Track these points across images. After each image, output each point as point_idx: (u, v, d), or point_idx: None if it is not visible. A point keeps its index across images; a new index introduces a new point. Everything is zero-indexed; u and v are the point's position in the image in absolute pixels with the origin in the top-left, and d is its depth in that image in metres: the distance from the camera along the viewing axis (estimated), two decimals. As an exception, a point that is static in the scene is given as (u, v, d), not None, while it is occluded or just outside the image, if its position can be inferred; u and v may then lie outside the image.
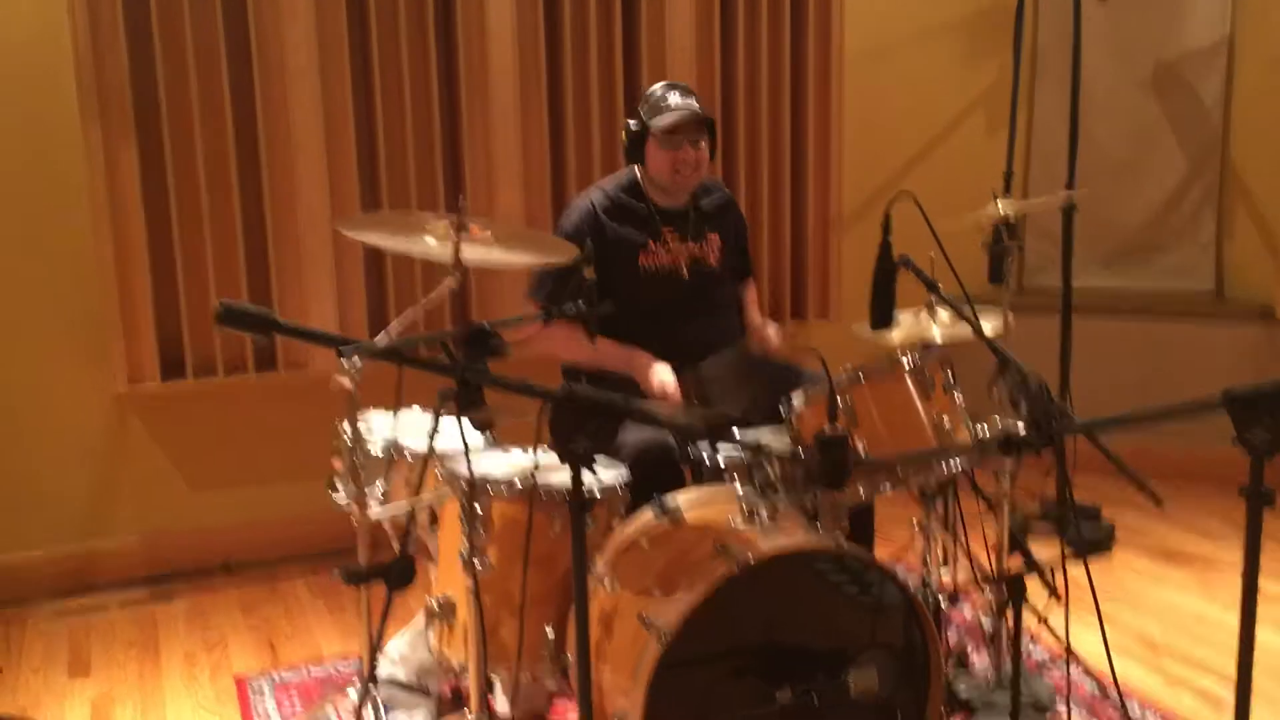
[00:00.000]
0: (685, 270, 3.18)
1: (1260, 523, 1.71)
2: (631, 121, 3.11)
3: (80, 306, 3.64)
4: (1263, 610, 3.36)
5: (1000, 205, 2.95)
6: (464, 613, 2.47)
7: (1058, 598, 2.75)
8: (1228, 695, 2.82)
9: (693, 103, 3.09)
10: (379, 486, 2.65)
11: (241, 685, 3.09)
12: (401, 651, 2.86)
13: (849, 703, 2.15)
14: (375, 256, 3.88)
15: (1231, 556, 3.67)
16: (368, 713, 2.52)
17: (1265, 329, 4.37)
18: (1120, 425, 1.88)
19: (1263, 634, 3.22)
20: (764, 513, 2.29)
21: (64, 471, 3.73)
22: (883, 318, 2.46)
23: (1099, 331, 4.40)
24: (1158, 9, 4.60)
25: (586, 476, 1.84)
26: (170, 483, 3.86)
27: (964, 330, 2.58)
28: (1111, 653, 2.82)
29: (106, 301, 3.60)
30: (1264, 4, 4.42)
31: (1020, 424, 2.13)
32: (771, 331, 3.25)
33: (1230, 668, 1.78)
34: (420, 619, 2.85)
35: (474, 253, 2.44)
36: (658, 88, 3.14)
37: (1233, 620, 1.74)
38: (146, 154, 3.60)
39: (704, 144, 3.10)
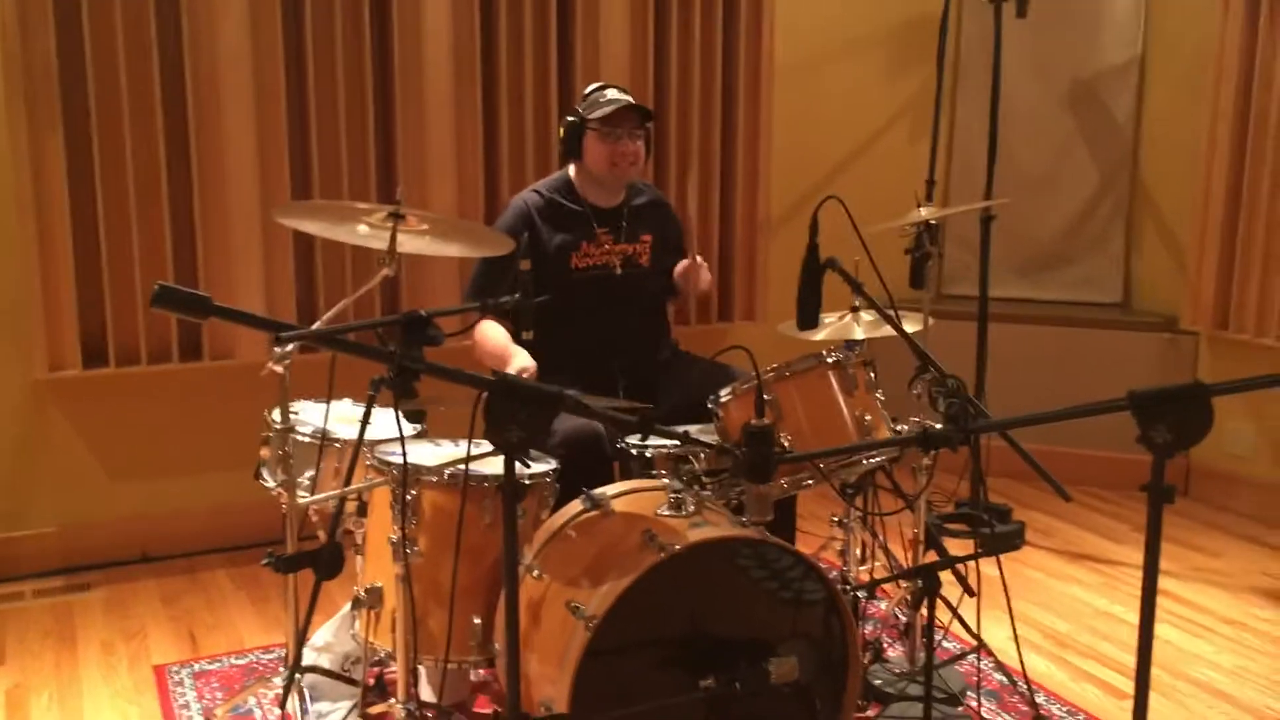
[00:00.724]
0: (618, 269, 3.24)
1: (1160, 517, 1.79)
2: (569, 117, 3.16)
3: (1, 292, 3.57)
4: (1164, 606, 3.52)
5: (923, 211, 3.04)
6: (391, 601, 2.48)
7: (970, 593, 2.85)
8: (1129, 687, 2.95)
9: (629, 98, 3.15)
10: (308, 475, 2.65)
11: (160, 674, 3.07)
12: (326, 640, 2.87)
13: (770, 691, 2.21)
14: (305, 247, 3.87)
15: (1135, 558, 3.82)
16: (293, 701, 2.52)
17: (1170, 339, 4.55)
18: (1032, 423, 1.97)
19: (1161, 629, 3.38)
20: (691, 504, 2.35)
21: (-21, 459, 3.67)
22: (809, 318, 2.53)
23: (1013, 338, 4.54)
24: (1074, 27, 4.76)
25: (518, 466, 1.88)
26: (90, 472, 3.80)
27: (887, 332, 2.67)
28: (1020, 646, 2.94)
29: (28, 287, 3.54)
30: (1174, 26, 4.60)
31: (938, 421, 2.22)
32: (703, 272, 3.26)
33: (1132, 661, 1.87)
34: (345, 609, 2.86)
35: (410, 242, 2.46)
36: (596, 85, 3.22)
37: (1134, 617, 1.84)
38: (71, 136, 3.54)
39: (641, 136, 3.17)
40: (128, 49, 3.54)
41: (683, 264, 3.30)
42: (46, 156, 3.51)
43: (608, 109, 3.12)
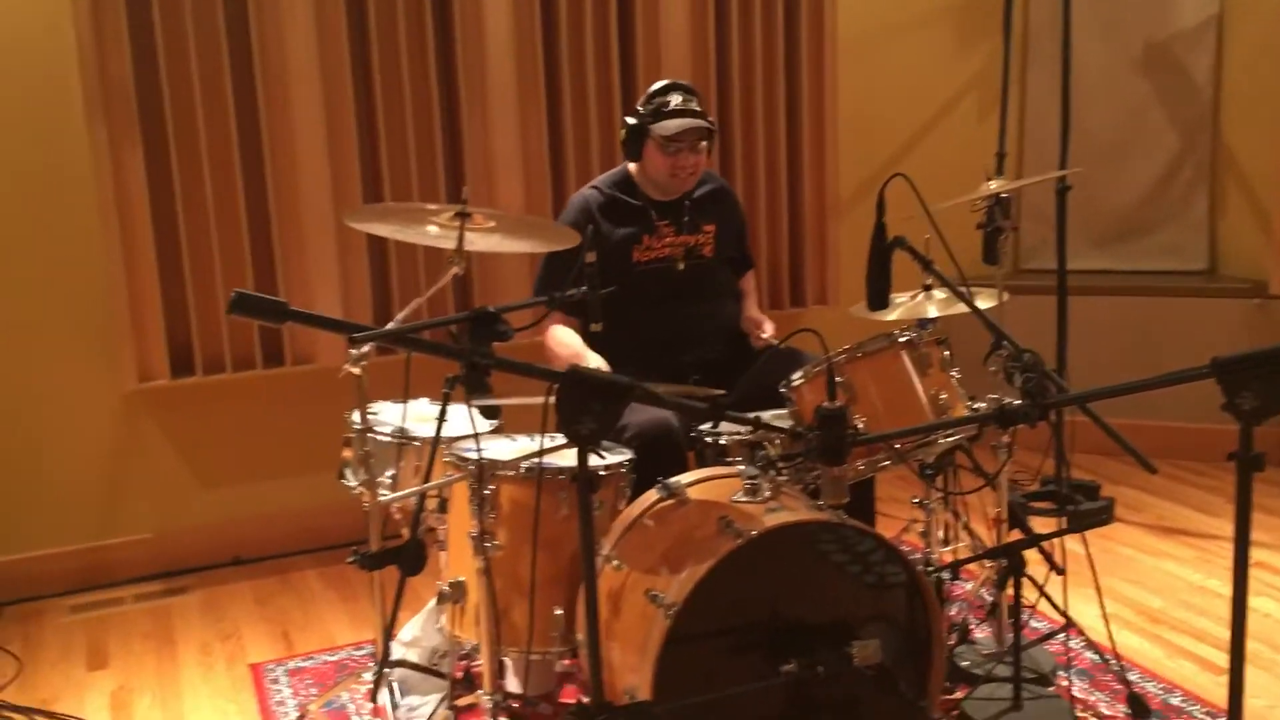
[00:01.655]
0: (681, 262, 3.23)
1: (1250, 486, 1.75)
2: (631, 119, 3.14)
3: (89, 306, 3.69)
4: (1261, 579, 3.43)
5: (992, 186, 2.99)
6: (475, 595, 2.52)
7: (1058, 570, 2.80)
8: (1227, 663, 2.87)
9: (694, 106, 3.12)
10: (389, 474, 2.70)
11: (257, 672, 3.15)
12: (414, 635, 2.91)
13: (853, 674, 2.19)
14: (379, 249, 3.93)
15: (1229, 530, 3.71)
16: (383, 695, 2.57)
17: (1259, 305, 4.41)
18: (1110, 395, 1.93)
19: (1259, 602, 3.29)
20: (767, 490, 2.34)
21: (76, 470, 3.78)
22: (879, 298, 2.50)
23: (1094, 311, 4.45)
24: (1147, -10, 4.65)
25: (591, 457, 1.89)
26: (181, 479, 3.91)
27: (960, 309, 2.63)
28: (1112, 624, 2.88)
29: (115, 300, 3.65)
30: (1253, -17, 4.47)
31: (1016, 398, 2.19)
32: (767, 326, 3.29)
33: (1229, 636, 1.82)
34: (431, 604, 2.90)
35: (478, 240, 2.49)
36: (660, 87, 3.15)
37: (1230, 591, 1.79)
38: (151, 152, 3.64)
39: (703, 148, 3.16)
40: (200, 63, 3.63)
41: (756, 328, 3.29)
42: (127, 171, 3.61)
43: (671, 128, 3.08)
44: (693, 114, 3.11)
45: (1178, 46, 4.64)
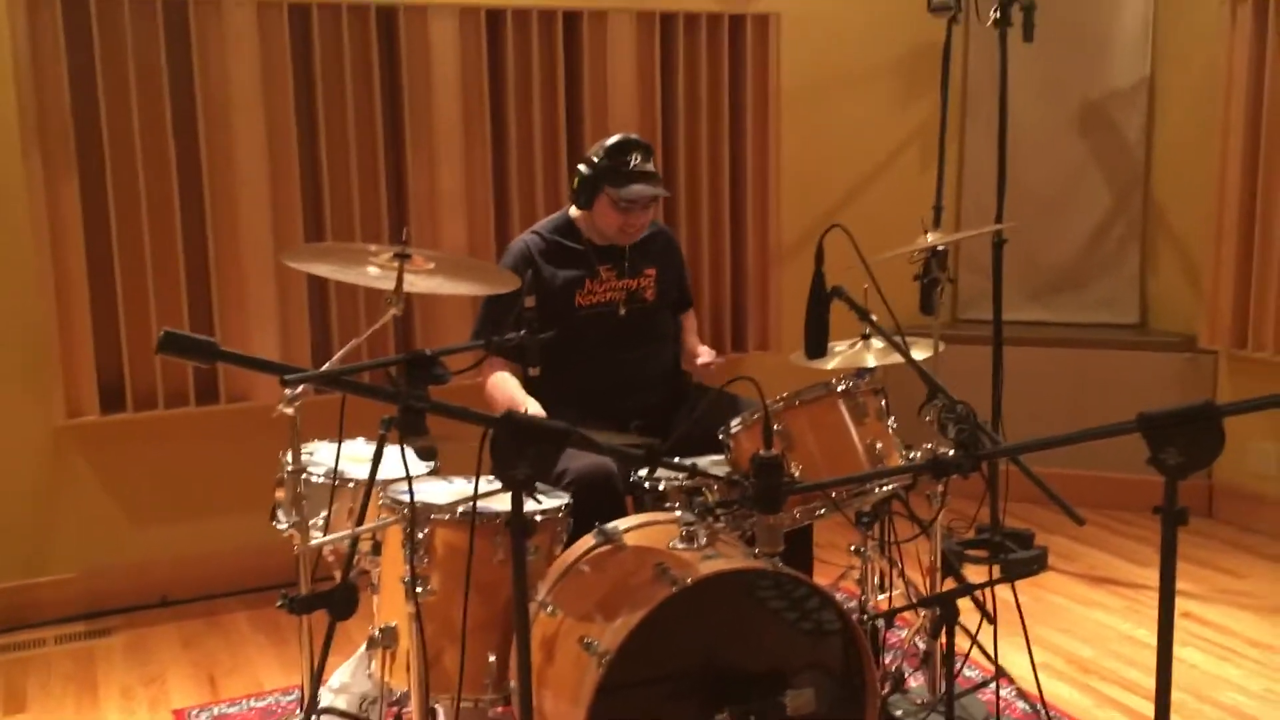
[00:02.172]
0: (623, 306, 3.24)
1: (1175, 540, 1.78)
2: (584, 168, 3.13)
3: (18, 338, 3.61)
4: (1189, 629, 3.48)
5: (930, 238, 3.04)
6: (406, 641, 2.48)
7: (990, 620, 2.82)
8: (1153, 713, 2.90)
9: (651, 167, 3.14)
10: (321, 515, 2.66)
11: (180, 719, 3.07)
12: (343, 681, 2.86)
13: (787, 723, 2.19)
14: (319, 289, 3.90)
15: (1158, 580, 3.77)
16: (310, 743, 2.51)
17: (1188, 359, 4.51)
18: (1040, 448, 1.96)
19: (1186, 652, 3.33)
20: (703, 537, 2.34)
21: (1, 506, 3.68)
22: (817, 347, 2.53)
23: (1029, 361, 4.52)
24: (1082, 49, 4.77)
25: (528, 502, 1.88)
26: (109, 517, 3.82)
27: (898, 359, 2.66)
28: (1042, 674, 2.91)
29: (45, 334, 3.58)
30: (1182, 45, 4.60)
31: (949, 448, 2.21)
32: (706, 356, 3.30)
33: (1154, 686, 1.85)
34: (362, 649, 2.85)
35: (419, 282, 2.48)
36: (619, 143, 3.13)
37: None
38: (88, 186, 3.60)
39: (654, 206, 3.19)
40: (141, 96, 3.60)
41: (699, 360, 3.31)
42: (62, 204, 3.56)
43: (633, 194, 3.09)
44: (651, 178, 3.13)
45: (1111, 106, 4.76)
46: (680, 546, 2.33)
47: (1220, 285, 4.36)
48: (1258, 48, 4.17)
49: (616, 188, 3.09)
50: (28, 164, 3.50)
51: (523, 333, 2.41)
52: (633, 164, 3.10)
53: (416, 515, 2.40)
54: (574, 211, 3.27)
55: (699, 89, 4.34)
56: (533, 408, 2.90)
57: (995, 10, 3.90)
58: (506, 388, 3.07)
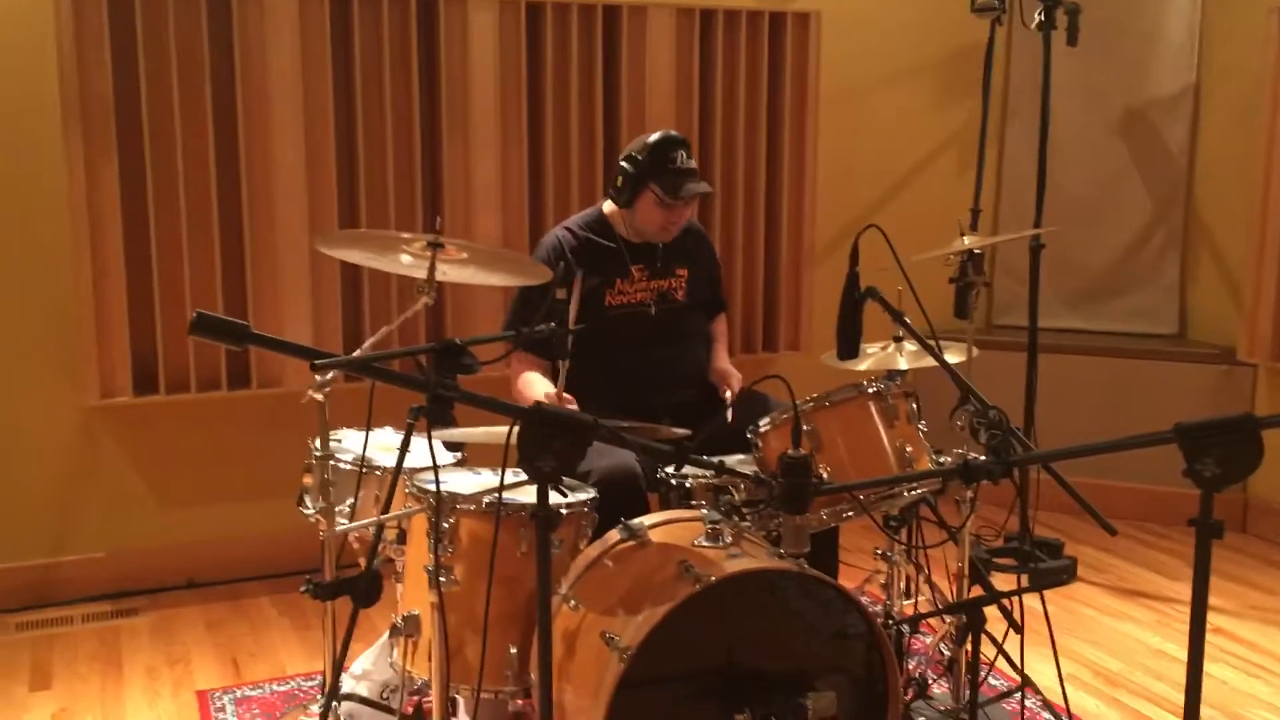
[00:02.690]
0: (653, 306, 3.23)
1: (1209, 553, 1.75)
2: (628, 165, 3.11)
3: (54, 319, 3.64)
4: (1220, 645, 3.43)
5: (966, 241, 3.01)
6: (429, 629, 2.48)
7: (1017, 629, 2.79)
8: (1181, 728, 2.86)
9: (694, 164, 3.14)
10: (348, 502, 2.67)
11: (203, 699, 3.09)
12: (365, 668, 2.87)
13: (808, 726, 2.17)
14: (352, 275, 3.91)
15: (1189, 594, 3.72)
16: (330, 728, 2.52)
17: (1226, 371, 4.45)
18: (1073, 455, 1.93)
19: (1216, 668, 3.29)
20: (728, 535, 2.33)
21: (31, 484, 3.72)
22: (849, 348, 2.50)
23: (1063, 369, 4.47)
24: (1126, 56, 4.71)
25: (553, 495, 1.87)
26: (138, 498, 3.85)
27: (930, 362, 2.63)
28: (1069, 685, 2.87)
29: (81, 315, 3.61)
30: (1229, 54, 4.53)
31: (980, 453, 2.18)
32: (733, 384, 3.27)
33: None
34: (384, 637, 2.86)
35: (450, 271, 2.48)
36: (663, 140, 3.11)
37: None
38: (127, 170, 3.62)
39: (694, 204, 3.18)
40: (181, 81, 3.62)
41: (723, 383, 3.27)
42: (101, 186, 3.58)
43: (682, 191, 3.08)
44: (696, 175, 3.14)
45: (1154, 113, 4.70)
46: (705, 544, 2.31)
47: (1261, 298, 4.30)
48: (1307, 57, 4.11)
49: (663, 185, 3.08)
50: (68, 146, 3.53)
51: (552, 325, 2.40)
52: (679, 161, 3.09)
53: (442, 505, 2.40)
54: (608, 208, 3.26)
55: (737, 86, 4.32)
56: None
57: (1040, 12, 3.86)
58: (536, 388, 3.05)
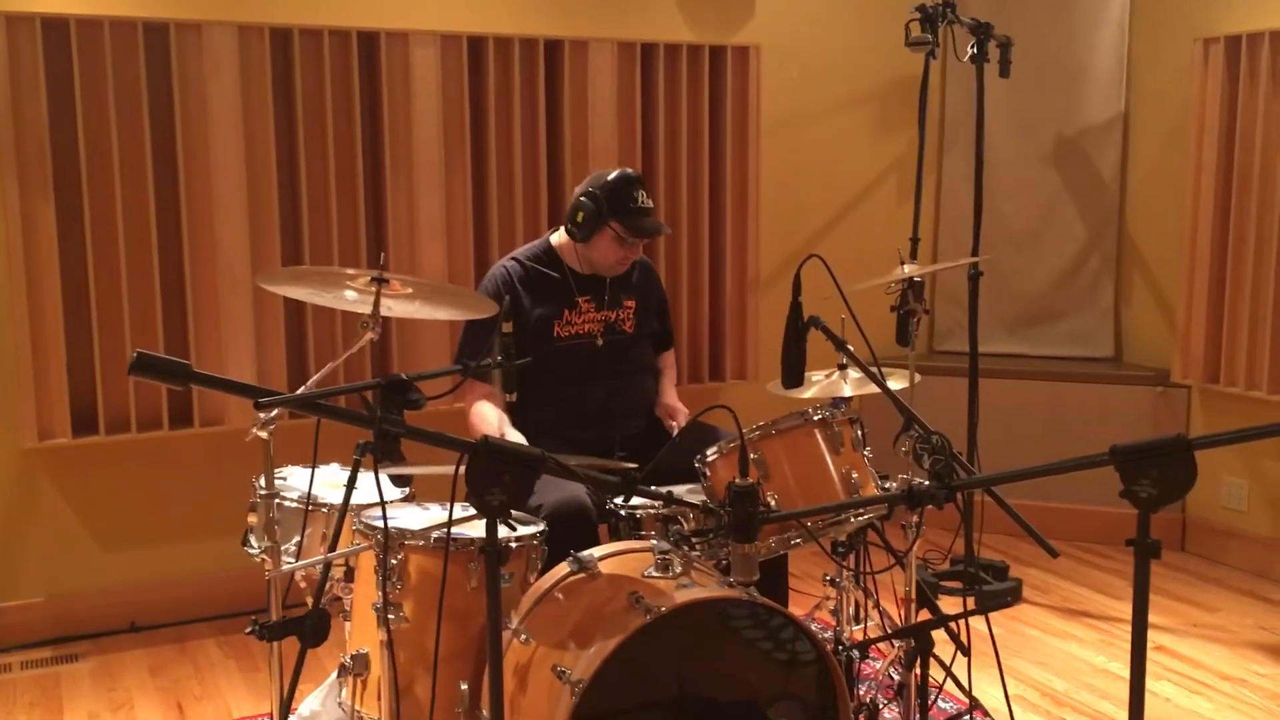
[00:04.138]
0: (601, 338, 3.24)
1: (1148, 572, 1.78)
2: (589, 201, 3.12)
3: (-10, 360, 3.58)
4: (1162, 662, 3.49)
5: (906, 269, 3.06)
6: (377, 668, 2.46)
7: (964, 651, 2.82)
8: (1127, 745, 2.90)
9: (651, 203, 3.19)
10: (294, 541, 2.64)
11: (147, 747, 3.03)
12: (313, 709, 2.83)
13: (760, 754, 2.18)
14: (295, 312, 3.88)
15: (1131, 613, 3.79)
16: (278, 771, 2.48)
17: (1162, 393, 4.54)
18: (1015, 479, 1.97)
19: (1159, 686, 3.34)
20: (678, 565, 2.33)
21: (-33, 529, 3.65)
22: (794, 376, 2.53)
23: (1004, 393, 4.55)
24: (1057, 86, 4.82)
25: (502, 529, 1.87)
26: (78, 541, 3.78)
27: (874, 389, 2.67)
28: (1016, 705, 2.90)
29: (18, 356, 3.54)
30: (1157, 83, 4.66)
31: (925, 479, 2.21)
32: (680, 416, 3.29)
33: (1130, 721, 1.85)
34: (332, 677, 2.82)
35: (396, 306, 2.47)
36: (620, 178, 3.14)
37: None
38: (64, 207, 3.57)
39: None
40: (120, 119, 3.59)
41: (669, 418, 3.30)
42: (38, 225, 3.53)
43: (644, 229, 3.15)
44: (653, 213, 3.20)
45: (1086, 142, 4.82)
46: (655, 575, 2.32)
47: (1193, 320, 4.41)
48: (1230, 87, 4.24)
49: (625, 224, 3.11)
50: (3, 185, 3.48)
51: (499, 358, 2.40)
52: (639, 200, 3.14)
53: (390, 541, 2.38)
54: (556, 239, 3.28)
55: (679, 119, 4.37)
56: (512, 435, 2.89)
57: (972, 45, 3.95)
58: (489, 419, 3.05)
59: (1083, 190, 4.84)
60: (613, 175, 3.15)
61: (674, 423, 3.25)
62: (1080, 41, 4.78)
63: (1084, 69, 4.78)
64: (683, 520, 2.63)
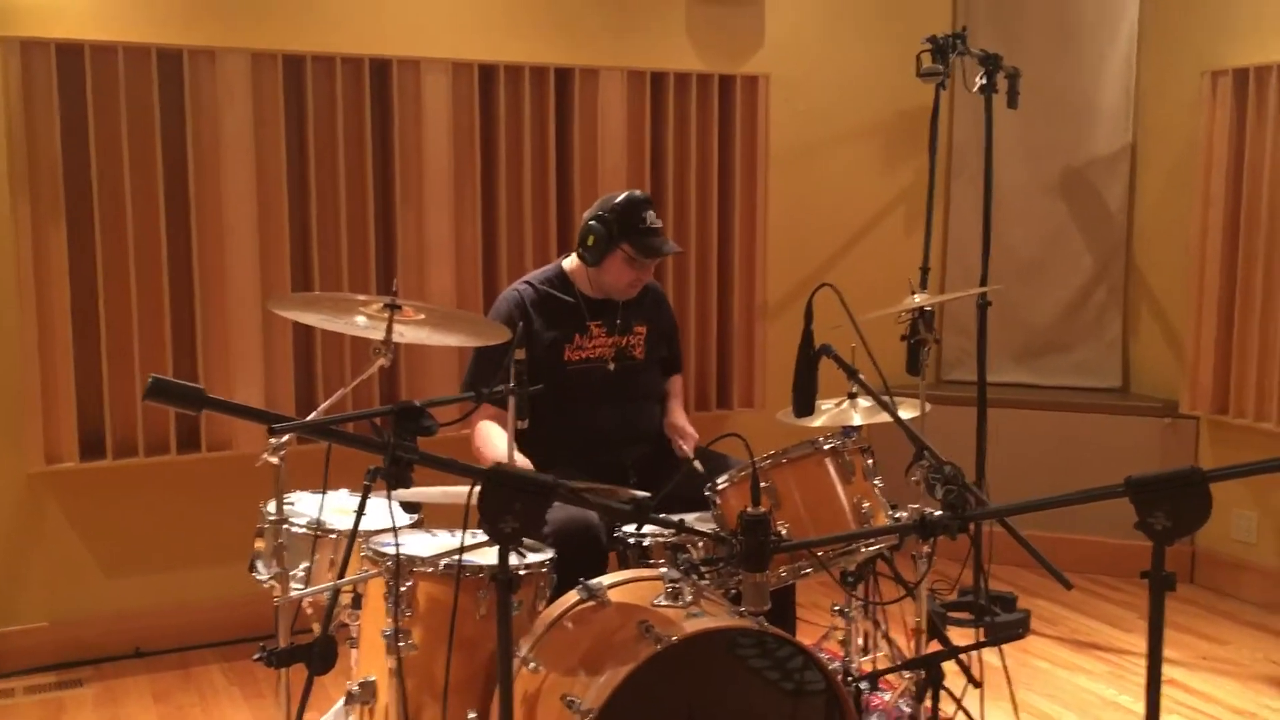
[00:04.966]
0: (612, 363, 3.24)
1: (1163, 605, 1.77)
2: (598, 225, 3.13)
3: (-1, 383, 3.59)
4: (1173, 696, 3.46)
5: (917, 299, 3.06)
6: (385, 696, 2.44)
7: (974, 683, 2.80)
8: (1138, 780, 2.88)
9: (660, 224, 3.20)
10: (302, 566, 2.63)
11: (151, 774, 3.01)
12: (320, 737, 2.81)
13: (770, 785, 2.16)
14: (304, 339, 3.89)
15: (1142, 646, 3.76)
16: (283, 800, 2.46)
17: (1170, 424, 4.53)
18: (1029, 509, 1.96)
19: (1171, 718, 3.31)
20: (688, 594, 2.32)
21: (-28, 552, 3.64)
22: (805, 405, 2.53)
23: (1013, 423, 4.54)
24: (1065, 117, 4.84)
25: (512, 556, 1.86)
26: (84, 566, 3.77)
27: (884, 418, 2.66)
28: (1026, 738, 2.88)
29: (27, 379, 3.55)
30: (1164, 115, 4.67)
31: (937, 509, 2.20)
32: (689, 441, 3.27)
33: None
34: (339, 704, 2.81)
35: (407, 332, 2.48)
36: (629, 200, 3.15)
37: (1142, 707, 1.80)
38: (75, 233, 3.59)
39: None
40: (132, 144, 3.60)
41: (678, 437, 3.28)
42: (49, 248, 3.55)
43: (652, 248, 3.14)
44: (663, 234, 3.20)
45: (1093, 173, 4.83)
46: (665, 604, 2.31)
47: (1201, 352, 4.40)
48: (1237, 120, 4.25)
49: (636, 245, 3.12)
50: (15, 209, 3.50)
51: (511, 385, 2.40)
52: (649, 221, 3.15)
53: (400, 568, 2.38)
54: (568, 264, 3.28)
55: (688, 148, 4.38)
56: (520, 461, 2.88)
57: (981, 76, 3.97)
58: (496, 442, 3.04)
59: (1090, 222, 4.85)
60: (621, 197, 3.16)
61: (682, 443, 3.24)
62: (1088, 73, 4.80)
63: (1091, 101, 4.80)
64: (691, 548, 2.63)
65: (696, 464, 3.08)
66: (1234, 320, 4.30)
